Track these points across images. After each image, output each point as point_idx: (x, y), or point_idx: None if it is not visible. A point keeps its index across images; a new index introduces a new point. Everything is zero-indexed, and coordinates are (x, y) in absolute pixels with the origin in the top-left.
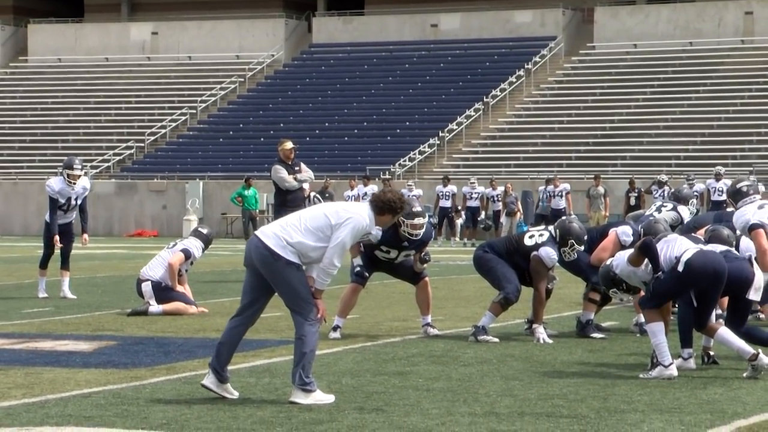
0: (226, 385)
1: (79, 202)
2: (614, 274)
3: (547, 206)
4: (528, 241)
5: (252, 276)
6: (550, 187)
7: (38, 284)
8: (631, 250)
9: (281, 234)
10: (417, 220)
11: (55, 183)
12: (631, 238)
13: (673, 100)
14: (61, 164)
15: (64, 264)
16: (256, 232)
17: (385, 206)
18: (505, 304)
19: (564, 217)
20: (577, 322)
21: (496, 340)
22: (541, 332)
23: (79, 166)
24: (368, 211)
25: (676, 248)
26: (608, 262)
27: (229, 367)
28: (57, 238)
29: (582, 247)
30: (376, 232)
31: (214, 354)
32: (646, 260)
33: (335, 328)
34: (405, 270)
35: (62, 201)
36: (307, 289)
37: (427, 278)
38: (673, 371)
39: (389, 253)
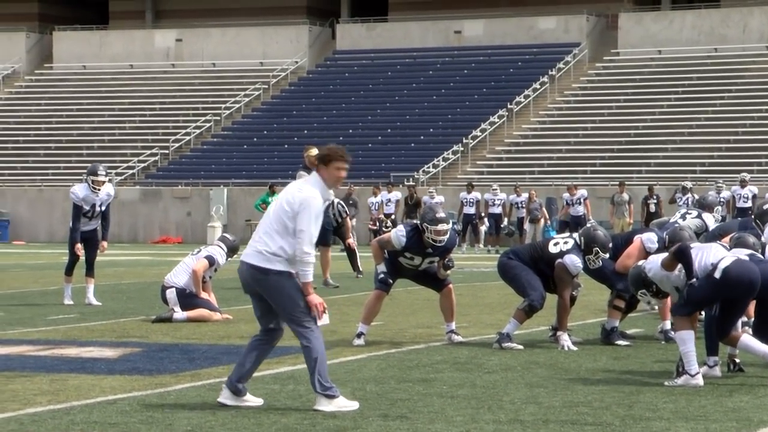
0: (244, 396)
1: (103, 208)
2: (645, 276)
3: (563, 213)
4: (552, 249)
5: (257, 301)
6: (567, 195)
7: (64, 291)
8: (664, 254)
9: (261, 248)
10: (441, 227)
11: (79, 190)
12: (656, 245)
13: (697, 106)
14: (85, 171)
15: (89, 271)
16: (241, 257)
17: (325, 155)
18: (530, 311)
19: (589, 225)
20: (602, 330)
21: (521, 347)
22: (565, 339)
23: (104, 173)
24: (315, 181)
25: (712, 255)
26: (640, 264)
27: (254, 375)
28: (80, 245)
29: (607, 255)
30: (332, 196)
31: (234, 368)
32: (680, 266)
33: (359, 335)
34: (429, 277)
35: (86, 208)
36: (302, 297)
37: (451, 285)
38: (699, 381)
39: (413, 260)
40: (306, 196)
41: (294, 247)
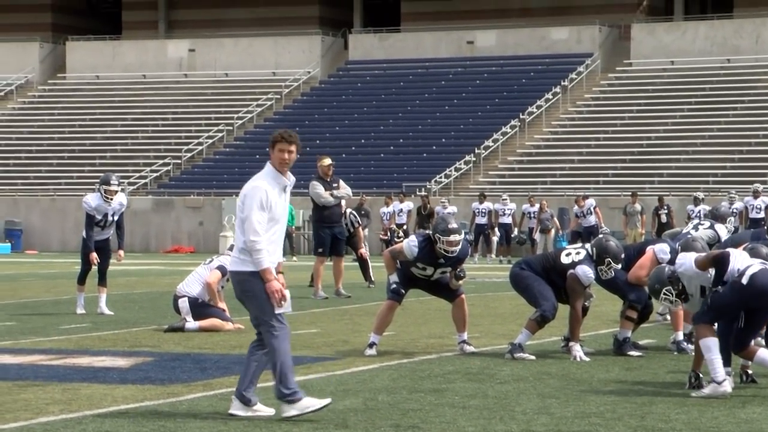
0: (255, 406)
1: (116, 218)
2: (671, 273)
3: (575, 224)
4: (564, 259)
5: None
6: (576, 208)
7: (76, 300)
8: (697, 253)
9: (236, 253)
10: (453, 237)
11: (92, 199)
12: (669, 256)
13: (710, 117)
14: (98, 181)
15: (102, 280)
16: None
17: (270, 140)
18: (542, 322)
19: (601, 235)
20: (614, 340)
21: (533, 357)
22: (577, 350)
23: (116, 183)
24: (265, 170)
25: (740, 262)
26: (662, 267)
27: (265, 384)
28: (94, 255)
29: (619, 265)
30: (289, 181)
31: (240, 377)
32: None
33: (371, 345)
34: (441, 287)
35: (99, 217)
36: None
37: (463, 295)
38: (727, 388)
39: (425, 270)
40: (249, 186)
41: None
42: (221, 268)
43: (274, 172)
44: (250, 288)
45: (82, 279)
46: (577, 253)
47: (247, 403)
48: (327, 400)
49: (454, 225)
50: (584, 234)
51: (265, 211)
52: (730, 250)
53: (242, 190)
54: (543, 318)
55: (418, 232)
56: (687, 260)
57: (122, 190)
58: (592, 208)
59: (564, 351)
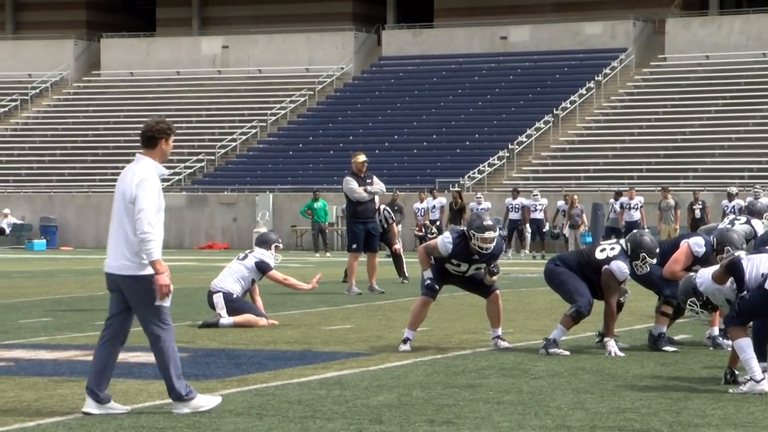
0: (109, 404)
1: None
2: (696, 288)
3: (618, 218)
4: (599, 255)
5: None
6: (624, 199)
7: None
8: (715, 267)
9: (131, 257)
10: (487, 234)
11: None
12: (704, 249)
13: (745, 111)
14: None
15: None
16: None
17: (151, 136)
18: (577, 318)
19: (635, 230)
20: (649, 336)
21: (567, 353)
22: (612, 345)
23: None
24: (147, 163)
25: (763, 265)
26: (692, 276)
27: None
28: None
29: (654, 261)
30: (164, 171)
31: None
32: (731, 279)
33: (405, 341)
34: (475, 283)
35: None
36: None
37: (497, 291)
38: (765, 386)
39: (459, 266)
40: (138, 179)
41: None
42: (262, 265)
43: (155, 163)
44: (143, 293)
45: None
46: (612, 249)
47: (101, 401)
48: (217, 399)
49: (488, 221)
50: (625, 230)
51: (156, 204)
52: (742, 254)
53: (126, 184)
54: (578, 314)
55: (452, 229)
56: (705, 278)
57: None
58: (639, 206)
59: (599, 346)
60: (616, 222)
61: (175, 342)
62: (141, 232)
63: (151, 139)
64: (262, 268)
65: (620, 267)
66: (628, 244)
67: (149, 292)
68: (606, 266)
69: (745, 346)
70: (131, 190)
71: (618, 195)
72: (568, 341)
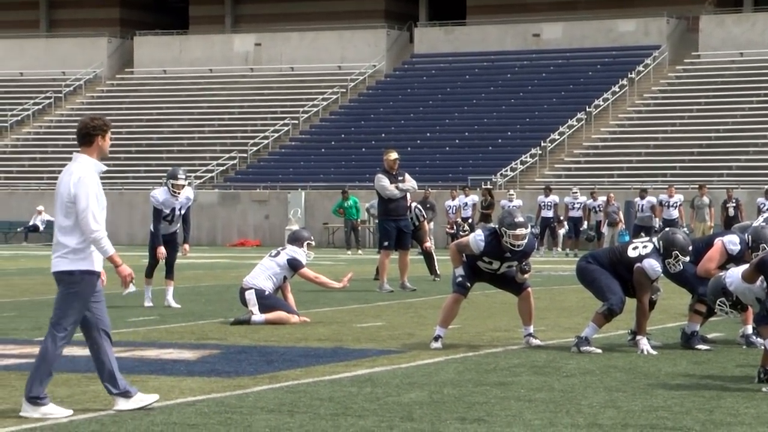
0: (135, 396)
1: (183, 212)
2: (726, 287)
3: (649, 216)
4: (632, 253)
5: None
6: (664, 197)
7: (144, 293)
8: (745, 266)
9: (65, 253)
10: (519, 231)
11: (159, 194)
12: (739, 247)
13: None
14: (165, 175)
15: (169, 273)
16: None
17: (86, 134)
18: (609, 316)
19: (668, 228)
20: (682, 334)
21: (599, 351)
22: (644, 343)
23: (183, 177)
24: (85, 161)
25: None
26: (721, 276)
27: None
28: (162, 249)
29: (687, 258)
30: (102, 168)
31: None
32: (761, 277)
33: (437, 338)
34: (507, 280)
35: (167, 211)
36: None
37: (530, 289)
38: None
39: (491, 264)
40: (76, 177)
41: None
42: (294, 262)
43: (93, 161)
44: (76, 287)
45: (149, 272)
46: (644, 247)
47: (125, 395)
48: (69, 411)
49: (520, 218)
50: (664, 227)
51: (98, 202)
52: None
53: (64, 184)
54: (610, 311)
55: (483, 226)
56: (735, 277)
57: (189, 184)
58: (678, 205)
59: (631, 344)
60: (643, 220)
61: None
62: (89, 231)
63: (87, 137)
64: (293, 265)
65: (653, 265)
66: (661, 241)
67: (78, 288)
68: (638, 264)
69: None
70: (70, 190)
71: (643, 193)
72: (600, 339)
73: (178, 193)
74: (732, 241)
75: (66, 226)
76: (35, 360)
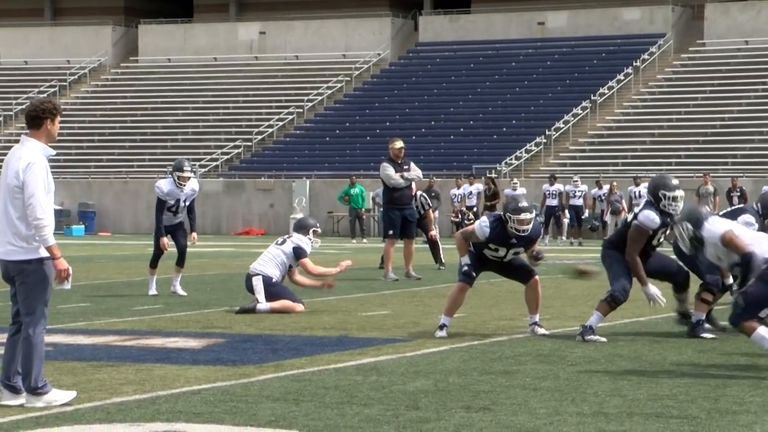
0: (23, 393)
1: (187, 203)
2: (699, 217)
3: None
4: (631, 218)
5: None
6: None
7: (149, 282)
8: (729, 226)
9: (15, 241)
10: (523, 216)
11: (164, 185)
12: (755, 225)
13: None
14: (170, 163)
15: (180, 260)
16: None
17: (35, 116)
18: (612, 303)
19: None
20: (687, 322)
21: (604, 339)
22: (652, 291)
23: (189, 168)
24: (33, 145)
25: (765, 250)
26: (704, 211)
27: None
28: (165, 240)
29: (676, 193)
30: (51, 152)
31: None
32: (734, 257)
33: (442, 327)
34: (515, 269)
35: (171, 202)
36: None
37: (537, 277)
38: None
39: (498, 251)
40: (25, 162)
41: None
42: (298, 250)
43: (42, 145)
44: (33, 275)
45: (154, 262)
46: (639, 207)
47: (17, 391)
48: (72, 393)
49: (524, 204)
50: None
51: (45, 187)
52: (753, 242)
53: (11, 168)
54: (612, 299)
55: (489, 213)
56: (716, 228)
57: (194, 176)
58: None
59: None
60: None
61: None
62: (34, 218)
63: (36, 119)
64: (297, 253)
65: (647, 215)
66: (648, 194)
67: (37, 276)
68: (635, 221)
69: (765, 334)
70: (18, 175)
71: (638, 180)
72: (604, 328)
73: (184, 185)
74: (747, 222)
75: (16, 214)
76: (22, 354)
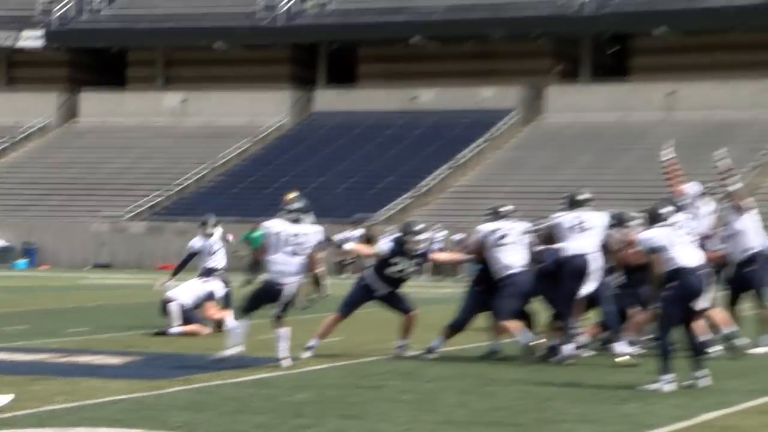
0: None
1: (216, 249)
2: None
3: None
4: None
5: None
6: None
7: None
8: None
9: None
10: (418, 237)
11: (195, 242)
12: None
13: (606, 164)
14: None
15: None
16: None
17: None
18: (454, 329)
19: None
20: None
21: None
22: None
23: (213, 221)
24: None
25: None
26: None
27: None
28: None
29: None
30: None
31: None
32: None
33: (308, 348)
34: (399, 300)
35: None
36: None
37: (416, 311)
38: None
39: (398, 264)
40: None
41: None
42: (212, 294)
43: None
44: None
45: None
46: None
47: None
48: (10, 396)
49: (419, 227)
50: None
51: None
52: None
53: None
54: (451, 328)
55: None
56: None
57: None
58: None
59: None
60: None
61: None
62: None
63: None
64: (209, 296)
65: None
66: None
67: None
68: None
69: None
70: None
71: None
72: (455, 351)
73: (212, 235)
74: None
75: None
76: None
